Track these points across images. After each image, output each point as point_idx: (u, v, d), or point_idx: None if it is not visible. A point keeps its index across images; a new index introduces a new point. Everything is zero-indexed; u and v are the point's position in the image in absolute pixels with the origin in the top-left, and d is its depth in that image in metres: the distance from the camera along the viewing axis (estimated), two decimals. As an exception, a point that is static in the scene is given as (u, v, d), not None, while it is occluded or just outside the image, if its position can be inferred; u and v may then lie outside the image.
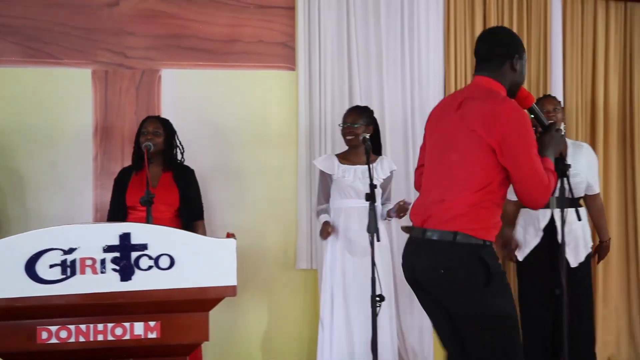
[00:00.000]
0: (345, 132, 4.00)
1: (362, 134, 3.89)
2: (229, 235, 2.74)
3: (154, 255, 2.46)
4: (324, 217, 4.06)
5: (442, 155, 2.69)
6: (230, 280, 2.47)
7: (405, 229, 2.77)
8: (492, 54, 2.71)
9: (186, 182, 3.91)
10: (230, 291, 2.48)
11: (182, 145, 4.05)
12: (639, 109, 4.69)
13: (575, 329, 3.98)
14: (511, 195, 2.60)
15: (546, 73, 4.69)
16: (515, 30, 4.62)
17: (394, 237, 4.44)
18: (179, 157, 4.03)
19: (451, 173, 2.61)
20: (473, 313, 2.52)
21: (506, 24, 4.62)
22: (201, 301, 2.46)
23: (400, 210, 3.95)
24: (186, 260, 2.45)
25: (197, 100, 4.50)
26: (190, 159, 4.08)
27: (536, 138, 2.67)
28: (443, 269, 2.52)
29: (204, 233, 3.94)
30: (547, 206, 4.00)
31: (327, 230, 3.99)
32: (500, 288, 2.53)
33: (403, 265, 2.74)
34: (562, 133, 2.77)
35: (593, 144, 4.66)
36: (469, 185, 2.54)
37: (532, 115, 2.81)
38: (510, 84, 2.68)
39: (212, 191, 4.13)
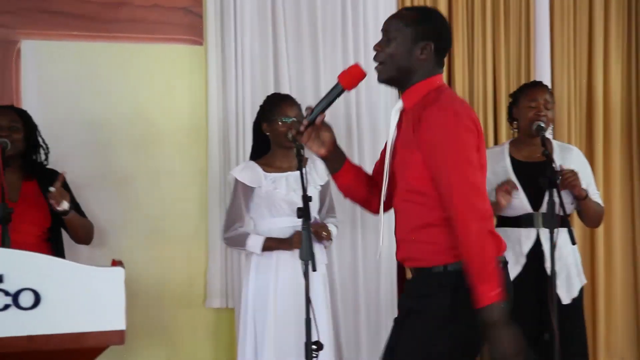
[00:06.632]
0: (283, 128, 3.90)
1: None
2: (115, 263, 2.61)
3: (12, 291, 2.33)
4: (259, 238, 3.92)
5: None
6: (117, 323, 2.42)
7: None
8: None
9: None
10: (116, 338, 2.41)
11: (45, 144, 3.86)
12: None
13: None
14: None
15: (529, 55, 4.73)
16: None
17: (334, 261, 4.39)
18: (42, 158, 3.83)
19: None
20: None
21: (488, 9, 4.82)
22: (76, 352, 2.38)
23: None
24: (56, 296, 2.36)
25: (69, 83, 4.32)
26: (58, 163, 3.86)
27: None
28: None
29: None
30: (531, 225, 4.01)
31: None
32: None
33: None
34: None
35: (590, 145, 4.76)
36: None
37: None
38: None
39: (89, 205, 3.94)
